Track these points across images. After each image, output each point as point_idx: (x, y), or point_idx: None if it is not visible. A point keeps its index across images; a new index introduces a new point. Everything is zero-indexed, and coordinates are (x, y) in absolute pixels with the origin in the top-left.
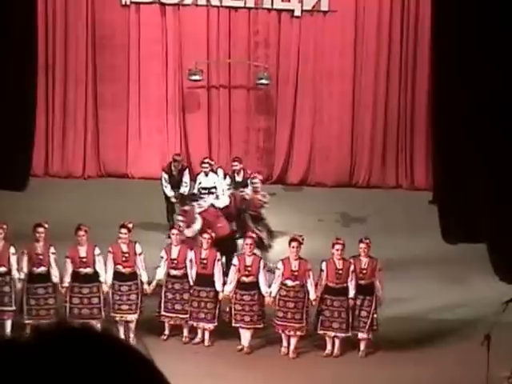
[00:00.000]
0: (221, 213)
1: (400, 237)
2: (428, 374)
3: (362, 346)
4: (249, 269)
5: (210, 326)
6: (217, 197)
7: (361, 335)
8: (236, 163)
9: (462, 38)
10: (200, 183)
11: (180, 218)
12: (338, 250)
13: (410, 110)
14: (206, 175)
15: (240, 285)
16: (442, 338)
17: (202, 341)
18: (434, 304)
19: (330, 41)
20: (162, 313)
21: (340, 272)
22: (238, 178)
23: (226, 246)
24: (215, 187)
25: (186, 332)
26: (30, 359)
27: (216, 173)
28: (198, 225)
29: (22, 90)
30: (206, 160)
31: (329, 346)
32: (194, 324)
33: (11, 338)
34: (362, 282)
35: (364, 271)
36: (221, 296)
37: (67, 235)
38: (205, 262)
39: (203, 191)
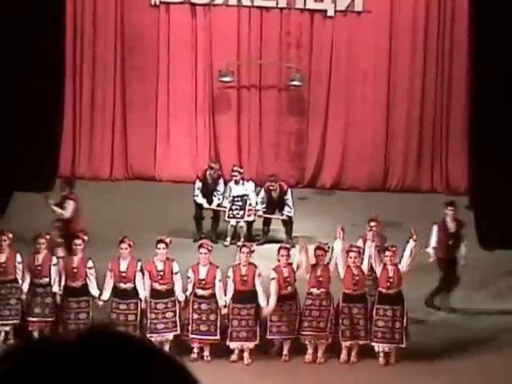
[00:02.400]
0: None
1: None
2: None
3: (392, 356)
4: (288, 279)
5: (252, 344)
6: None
7: (391, 346)
8: (273, 183)
9: (500, 38)
10: (231, 191)
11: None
12: (351, 257)
13: (445, 112)
14: (237, 183)
15: (279, 296)
16: (478, 347)
17: (241, 358)
18: (470, 311)
19: (363, 42)
20: (191, 336)
21: (357, 278)
22: (274, 195)
23: None
24: (247, 195)
25: (207, 352)
26: (65, 362)
27: (247, 181)
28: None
29: (50, 91)
30: (236, 168)
31: (343, 354)
32: (233, 344)
33: (50, 340)
34: (390, 291)
35: (391, 279)
36: (265, 312)
37: (94, 238)
38: (245, 278)
39: (236, 199)
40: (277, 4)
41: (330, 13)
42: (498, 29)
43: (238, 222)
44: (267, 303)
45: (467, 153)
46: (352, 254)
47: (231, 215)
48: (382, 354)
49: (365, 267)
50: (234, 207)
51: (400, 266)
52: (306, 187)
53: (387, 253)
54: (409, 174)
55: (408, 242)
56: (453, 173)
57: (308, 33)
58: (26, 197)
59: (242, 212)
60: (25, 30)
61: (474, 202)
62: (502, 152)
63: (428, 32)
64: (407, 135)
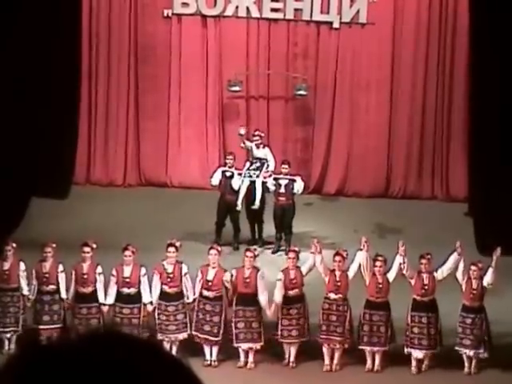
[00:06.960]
0: None
1: (435, 248)
2: None
3: (426, 362)
4: (294, 281)
5: (257, 345)
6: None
7: (427, 352)
8: (286, 165)
9: (500, 47)
10: (252, 153)
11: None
12: (377, 266)
13: (446, 121)
14: (258, 147)
15: (286, 299)
16: None
17: (246, 363)
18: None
19: (367, 52)
20: (193, 332)
21: (380, 286)
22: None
23: None
24: (266, 159)
25: (214, 355)
26: (72, 363)
27: (264, 147)
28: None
29: (66, 98)
30: (257, 132)
31: (369, 361)
32: (242, 346)
33: (58, 341)
34: (425, 298)
35: (426, 287)
36: (270, 313)
37: (107, 242)
38: (248, 280)
39: (255, 161)
40: (284, 16)
41: (336, 25)
42: (498, 39)
43: (252, 182)
44: (269, 306)
45: (467, 161)
46: (378, 263)
47: (247, 174)
48: (414, 361)
49: (391, 276)
50: (251, 167)
51: (436, 274)
52: (312, 193)
53: (422, 260)
54: (410, 182)
55: (452, 254)
56: (453, 180)
57: (314, 44)
58: (42, 203)
59: (258, 172)
60: (41, 40)
61: (474, 208)
62: (502, 160)
63: (429, 43)
64: (409, 143)
